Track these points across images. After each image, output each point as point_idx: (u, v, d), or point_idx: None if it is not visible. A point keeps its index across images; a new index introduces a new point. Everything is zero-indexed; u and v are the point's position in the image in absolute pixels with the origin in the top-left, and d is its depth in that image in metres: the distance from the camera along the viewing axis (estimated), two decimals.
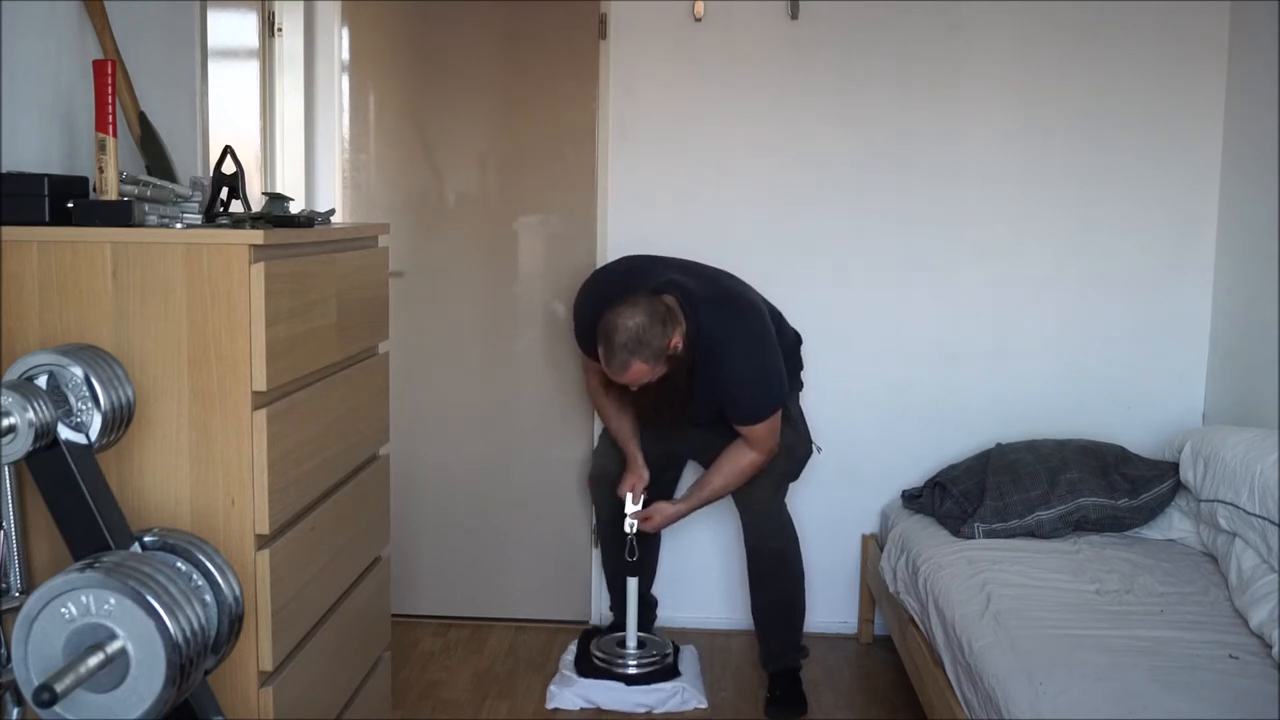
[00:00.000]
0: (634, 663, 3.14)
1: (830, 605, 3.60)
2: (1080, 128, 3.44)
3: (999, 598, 2.60)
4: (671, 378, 2.86)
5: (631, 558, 3.16)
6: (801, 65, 3.45)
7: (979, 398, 3.53)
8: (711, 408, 2.96)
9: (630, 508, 3.11)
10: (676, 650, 3.27)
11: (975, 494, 3.15)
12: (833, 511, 3.56)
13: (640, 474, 3.14)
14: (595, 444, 3.39)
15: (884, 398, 3.55)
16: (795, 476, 3.20)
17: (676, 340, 2.82)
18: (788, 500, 3.21)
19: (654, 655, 3.18)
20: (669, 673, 3.15)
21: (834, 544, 3.57)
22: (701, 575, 3.64)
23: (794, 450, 3.14)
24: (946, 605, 2.66)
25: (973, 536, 3.04)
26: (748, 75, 3.47)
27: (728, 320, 2.92)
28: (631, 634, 3.20)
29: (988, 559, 2.86)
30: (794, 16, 3.42)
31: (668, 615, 3.60)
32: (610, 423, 3.19)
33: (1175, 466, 3.06)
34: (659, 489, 3.30)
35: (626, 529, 3.13)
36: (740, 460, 3.01)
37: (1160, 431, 3.39)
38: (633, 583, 3.18)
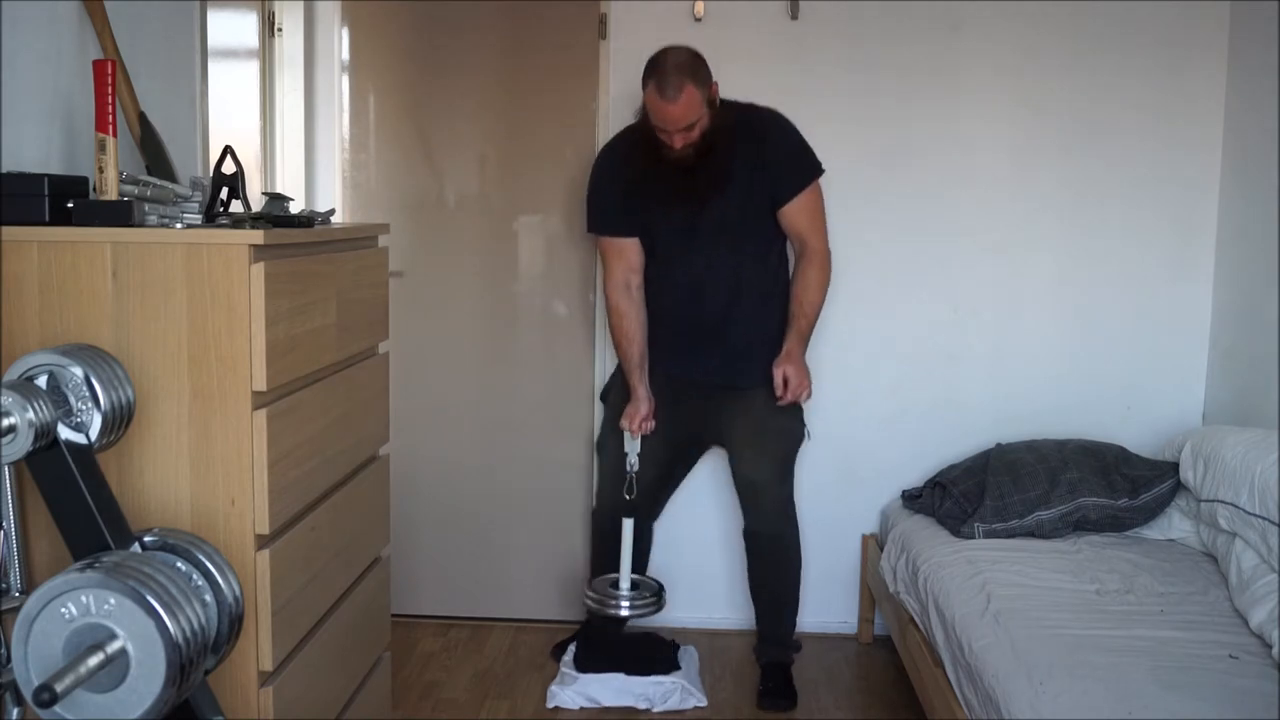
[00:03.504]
0: (625, 603, 3.12)
1: (830, 605, 3.60)
2: (1080, 128, 3.44)
3: (999, 598, 2.60)
4: (711, 140, 2.89)
5: (629, 495, 3.12)
6: (801, 65, 3.45)
7: (979, 398, 3.53)
8: (751, 193, 3.00)
9: (630, 443, 3.11)
10: (672, 645, 3.26)
11: (975, 494, 3.15)
12: (833, 511, 3.56)
13: (646, 404, 3.11)
14: (599, 482, 3.36)
15: (884, 398, 3.55)
16: (793, 457, 3.21)
17: (717, 87, 2.92)
18: None
19: (647, 596, 3.16)
20: (669, 664, 3.15)
21: (834, 544, 3.57)
22: (701, 575, 3.64)
23: (792, 431, 3.16)
24: (946, 605, 2.66)
25: (973, 536, 3.04)
26: (748, 75, 3.46)
27: (757, 108, 3.07)
28: (625, 576, 3.16)
29: (988, 559, 2.87)
30: (794, 16, 3.42)
31: (667, 615, 3.59)
32: (624, 338, 3.11)
33: (1175, 466, 3.07)
34: (669, 483, 3.34)
35: (628, 467, 3.11)
36: (809, 268, 3.07)
37: (1160, 431, 3.39)
38: (628, 524, 3.12)
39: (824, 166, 3.08)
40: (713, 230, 3.03)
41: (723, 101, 3.00)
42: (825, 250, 3.09)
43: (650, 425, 3.13)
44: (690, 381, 3.15)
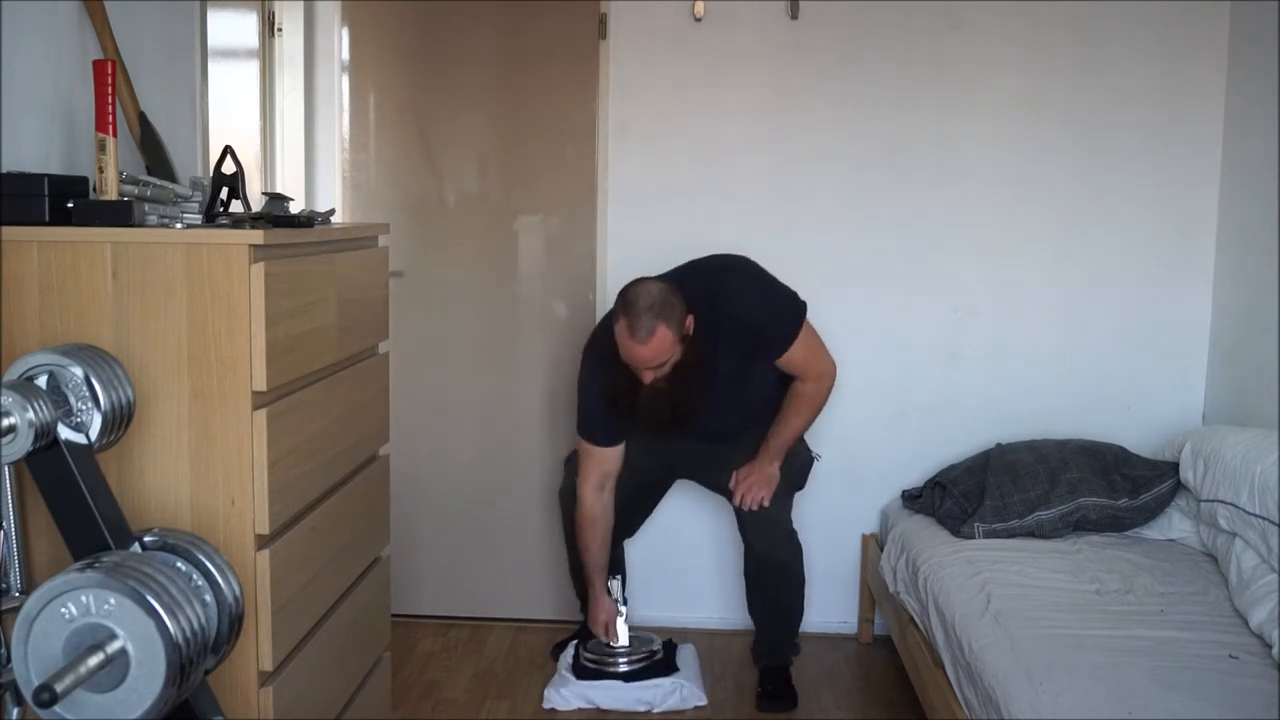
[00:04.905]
0: (624, 660, 3.14)
1: (830, 605, 3.59)
2: (1080, 128, 3.44)
3: (999, 598, 2.60)
4: (685, 370, 2.84)
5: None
6: (801, 65, 3.45)
7: (979, 398, 3.53)
8: (736, 370, 2.94)
9: (615, 638, 3.16)
10: (669, 645, 3.26)
11: (975, 494, 3.15)
12: (833, 511, 3.56)
13: (613, 609, 3.15)
14: (567, 455, 3.33)
15: (884, 398, 3.55)
16: (801, 486, 3.20)
17: (690, 320, 2.83)
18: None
19: (643, 651, 3.18)
20: (666, 667, 3.15)
21: (834, 544, 3.57)
22: (700, 576, 3.64)
23: (793, 460, 3.12)
24: (946, 605, 2.66)
25: (973, 536, 3.04)
26: (748, 75, 3.46)
27: (712, 274, 2.96)
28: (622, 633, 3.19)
29: (988, 559, 2.86)
30: (794, 16, 3.42)
31: (668, 615, 3.60)
32: (589, 541, 3.09)
33: (1175, 466, 3.06)
34: (643, 506, 3.31)
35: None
36: (802, 393, 3.01)
37: (1160, 431, 3.39)
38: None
39: (803, 301, 3.01)
40: (703, 413, 2.97)
41: (687, 272, 2.94)
42: (824, 371, 3.03)
43: (614, 634, 3.15)
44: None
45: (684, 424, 2.95)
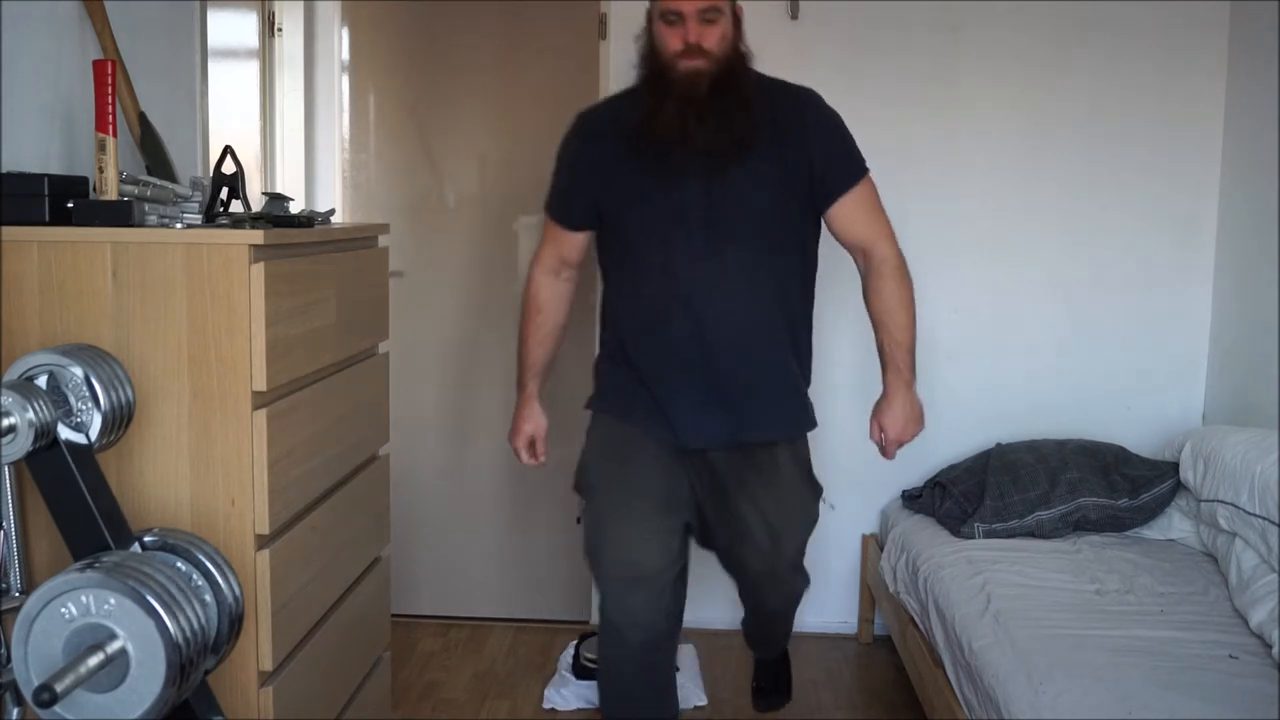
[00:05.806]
0: None
1: (830, 605, 3.59)
2: (1080, 127, 3.44)
3: (999, 598, 2.60)
4: (729, 73, 2.22)
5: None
6: (801, 65, 3.42)
7: (979, 397, 3.53)
8: (782, 174, 2.28)
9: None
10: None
11: (975, 494, 3.16)
12: (833, 511, 3.56)
13: (534, 421, 2.50)
14: (604, 540, 2.36)
15: None
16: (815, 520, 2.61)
17: (741, 9, 2.25)
18: None
19: None
20: None
21: (834, 544, 3.57)
22: (700, 575, 3.63)
23: (816, 499, 2.62)
24: (946, 605, 2.66)
25: (973, 536, 3.04)
26: None
27: (793, 84, 2.38)
28: None
29: (988, 559, 2.87)
30: (794, 16, 3.42)
31: None
32: (535, 335, 2.47)
33: (1175, 466, 3.07)
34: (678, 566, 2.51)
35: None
36: (885, 271, 2.37)
37: (1160, 431, 3.39)
38: None
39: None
40: (721, 217, 2.25)
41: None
42: (899, 256, 2.39)
43: (543, 452, 2.51)
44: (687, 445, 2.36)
45: (711, 173, 2.23)
